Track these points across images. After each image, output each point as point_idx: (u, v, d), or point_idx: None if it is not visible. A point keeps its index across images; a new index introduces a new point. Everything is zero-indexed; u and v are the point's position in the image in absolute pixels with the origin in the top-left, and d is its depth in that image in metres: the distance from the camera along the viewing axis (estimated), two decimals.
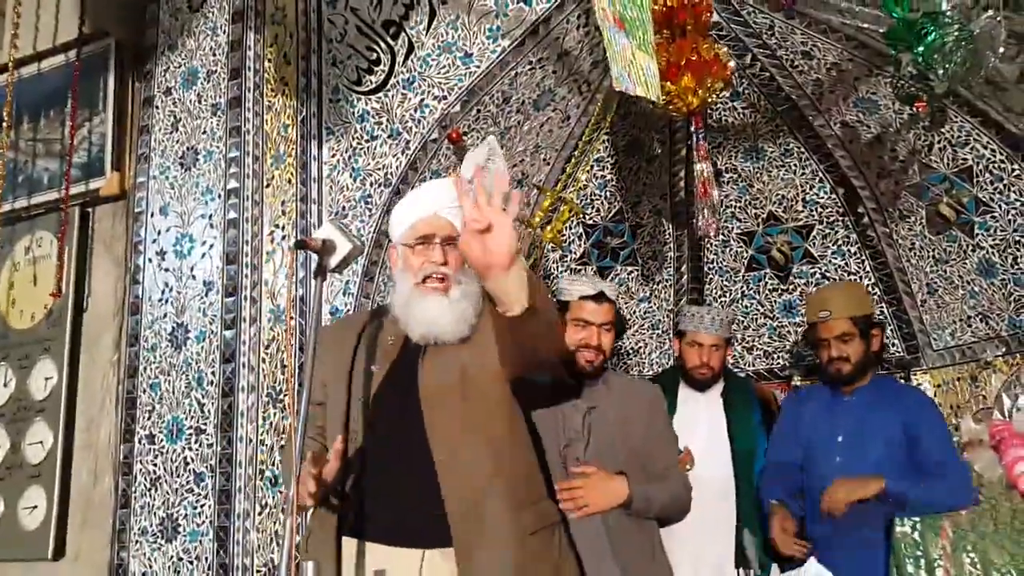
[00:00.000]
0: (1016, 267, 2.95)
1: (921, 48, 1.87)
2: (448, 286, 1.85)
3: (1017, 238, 2.91)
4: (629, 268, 3.76)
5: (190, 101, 3.17)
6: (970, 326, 3.22)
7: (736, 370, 3.78)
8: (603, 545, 2.19)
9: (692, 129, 2.41)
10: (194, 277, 3.06)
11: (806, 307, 2.92)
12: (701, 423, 2.78)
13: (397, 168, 2.85)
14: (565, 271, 3.65)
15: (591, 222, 3.63)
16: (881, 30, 2.27)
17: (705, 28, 2.48)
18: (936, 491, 2.46)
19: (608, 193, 3.57)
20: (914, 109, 2.10)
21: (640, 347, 3.84)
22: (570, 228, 3.55)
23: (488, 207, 1.52)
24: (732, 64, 2.24)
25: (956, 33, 1.85)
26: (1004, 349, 3.11)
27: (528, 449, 1.90)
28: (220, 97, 3.09)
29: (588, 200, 3.57)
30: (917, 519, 2.38)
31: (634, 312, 3.82)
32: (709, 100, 2.27)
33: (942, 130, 2.77)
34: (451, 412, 1.80)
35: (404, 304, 1.87)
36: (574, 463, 2.26)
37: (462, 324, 1.84)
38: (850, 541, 2.46)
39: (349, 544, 1.78)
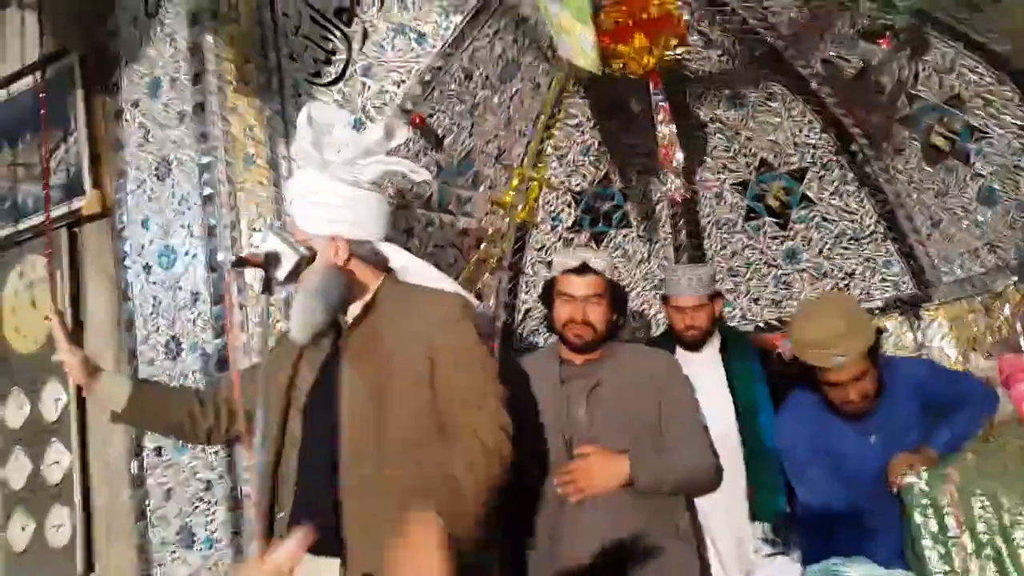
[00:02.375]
0: (1018, 193, 2.82)
1: None
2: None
3: (1016, 162, 2.77)
4: (624, 231, 3.69)
5: (157, 111, 3.14)
6: (978, 257, 3.10)
7: (744, 322, 3.71)
8: (608, 527, 2.14)
9: (652, 90, 2.32)
10: (180, 288, 3.05)
11: (795, 339, 2.45)
12: (700, 382, 2.72)
13: None
14: (558, 241, 3.59)
15: (578, 188, 3.55)
16: None
17: None
18: (963, 423, 2.38)
19: (592, 158, 3.48)
20: (878, 44, 1.98)
21: (644, 309, 3.77)
22: (558, 198, 3.48)
23: None
24: (686, 18, 2.14)
25: None
26: (1015, 278, 2.99)
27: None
28: (185, 104, 3.05)
29: (573, 168, 3.49)
30: (924, 469, 2.30)
31: (634, 274, 3.75)
32: (666, 58, 2.18)
33: (925, 58, 2.63)
34: (366, 425, 1.74)
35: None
36: (579, 444, 2.21)
37: (303, 327, 1.79)
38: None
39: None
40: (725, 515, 2.69)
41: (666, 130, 2.29)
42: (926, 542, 2.21)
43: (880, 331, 2.46)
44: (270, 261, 1.71)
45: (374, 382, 1.76)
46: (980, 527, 2.23)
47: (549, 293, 2.36)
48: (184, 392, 2.21)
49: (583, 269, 2.27)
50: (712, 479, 2.34)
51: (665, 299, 2.90)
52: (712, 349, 2.85)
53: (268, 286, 1.71)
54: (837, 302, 2.80)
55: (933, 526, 2.26)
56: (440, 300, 1.87)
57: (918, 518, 2.28)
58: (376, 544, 1.65)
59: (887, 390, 2.43)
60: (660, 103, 2.28)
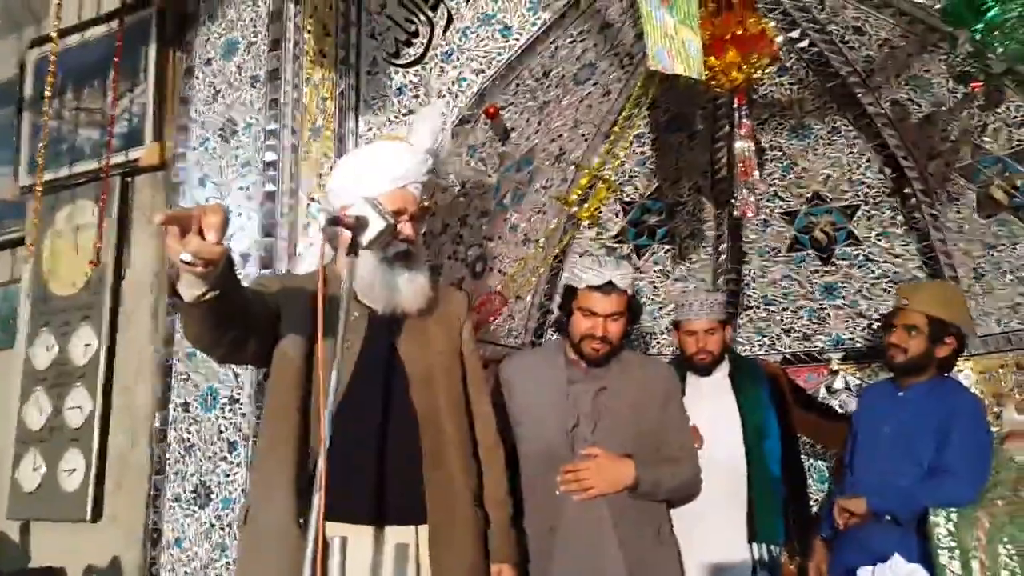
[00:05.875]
0: None
1: (980, 25, 1.79)
2: (410, 263, 1.89)
3: None
4: (666, 247, 3.71)
5: (230, 72, 3.16)
6: (1017, 313, 3.12)
7: (772, 351, 3.73)
8: (606, 529, 2.21)
9: (735, 106, 2.35)
10: (231, 249, 3.07)
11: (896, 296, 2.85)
12: (708, 404, 2.75)
13: None
14: (600, 249, 3.61)
15: (629, 199, 3.58)
16: (938, 5, 2.18)
17: (752, 1, 2.41)
18: (931, 495, 2.39)
19: (647, 170, 3.51)
20: (969, 89, 2.01)
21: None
22: (607, 206, 3.50)
23: None
24: (779, 40, 2.17)
25: (1019, 10, 1.77)
26: None
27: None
28: (259, 69, 3.08)
29: (627, 177, 3.51)
30: (953, 510, 2.33)
31: (670, 291, 3.77)
32: (754, 76, 2.20)
33: (997, 110, 2.66)
34: (434, 395, 1.88)
35: (369, 278, 1.86)
36: (581, 444, 2.27)
37: (422, 296, 1.92)
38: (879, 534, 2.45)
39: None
40: (722, 535, 2.70)
41: (746, 146, 2.32)
42: None
43: (959, 336, 2.63)
44: (359, 225, 1.73)
45: (429, 356, 1.93)
46: (1004, 575, 2.25)
47: (569, 302, 2.38)
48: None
49: (608, 287, 2.28)
50: (695, 492, 2.45)
51: (676, 324, 2.92)
52: (721, 374, 2.88)
53: (354, 249, 1.72)
54: (949, 287, 3.14)
55: (957, 568, 2.28)
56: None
57: (943, 559, 2.30)
58: (449, 506, 1.82)
59: (928, 392, 2.58)
60: (743, 120, 2.31)
